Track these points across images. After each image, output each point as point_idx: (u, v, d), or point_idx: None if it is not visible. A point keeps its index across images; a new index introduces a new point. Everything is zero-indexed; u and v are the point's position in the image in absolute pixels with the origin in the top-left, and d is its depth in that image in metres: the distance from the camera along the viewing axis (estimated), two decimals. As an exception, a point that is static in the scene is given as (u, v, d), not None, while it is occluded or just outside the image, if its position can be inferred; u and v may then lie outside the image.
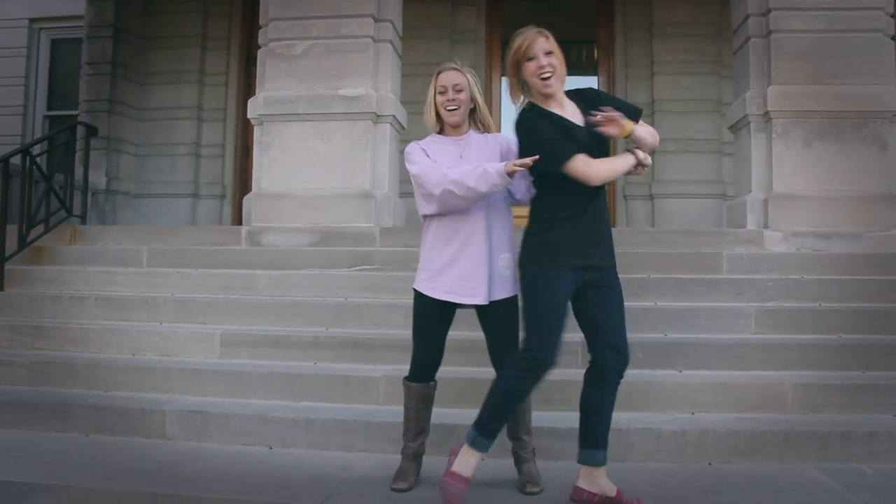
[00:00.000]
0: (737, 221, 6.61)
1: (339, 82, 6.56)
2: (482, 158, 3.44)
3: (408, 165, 3.50)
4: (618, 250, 5.81)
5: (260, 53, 6.86)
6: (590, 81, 10.03)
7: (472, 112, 3.58)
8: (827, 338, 4.88)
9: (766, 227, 6.21)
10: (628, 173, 3.27)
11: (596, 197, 3.22)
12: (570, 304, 3.26)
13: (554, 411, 4.10)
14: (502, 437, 3.46)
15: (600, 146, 3.21)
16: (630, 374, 4.49)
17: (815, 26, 6.31)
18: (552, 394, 4.08)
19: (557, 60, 3.22)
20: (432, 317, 3.54)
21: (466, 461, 3.25)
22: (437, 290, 3.47)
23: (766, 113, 6.30)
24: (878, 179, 6.23)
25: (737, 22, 6.87)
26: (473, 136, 3.56)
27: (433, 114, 3.57)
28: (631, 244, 5.93)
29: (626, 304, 5.19)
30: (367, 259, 5.93)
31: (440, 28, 9.87)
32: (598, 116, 3.10)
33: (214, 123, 10.21)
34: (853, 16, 6.29)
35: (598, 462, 3.27)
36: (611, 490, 3.26)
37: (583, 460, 3.30)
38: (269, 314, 5.34)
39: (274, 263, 6.00)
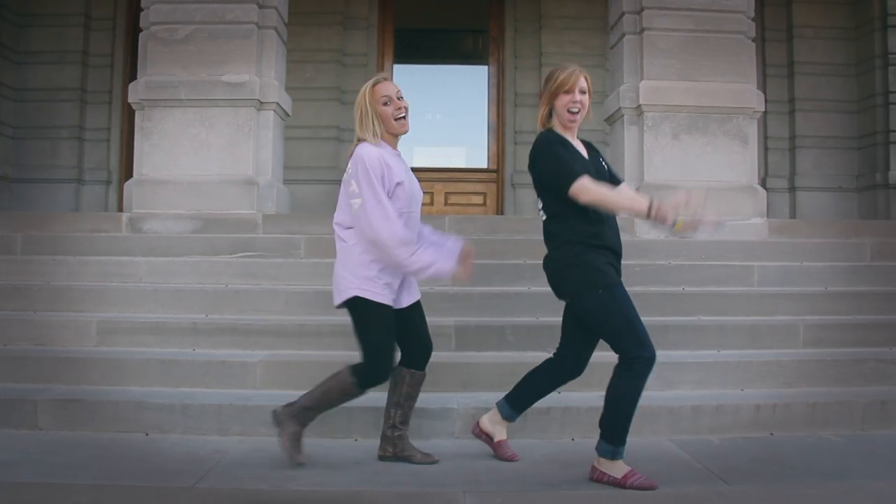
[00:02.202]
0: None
1: (222, 68, 6.51)
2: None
3: (368, 187, 3.52)
4: (496, 237, 6.10)
5: (141, 37, 6.73)
6: (480, 71, 10.23)
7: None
8: (686, 319, 5.21)
9: (637, 215, 6.51)
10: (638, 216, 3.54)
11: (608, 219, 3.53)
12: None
13: (425, 392, 4.24)
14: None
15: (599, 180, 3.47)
16: (500, 355, 4.75)
17: (684, 25, 6.65)
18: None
19: (587, 100, 3.52)
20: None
21: (620, 468, 3.41)
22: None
23: (639, 107, 6.60)
24: (741, 172, 6.64)
25: (613, 18, 7.16)
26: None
27: (376, 125, 3.57)
28: (509, 231, 6.15)
29: (504, 288, 5.44)
30: (249, 246, 5.94)
31: (332, 14, 9.83)
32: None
33: (99, 106, 9.89)
34: (719, 17, 6.66)
35: (509, 419, 3.81)
36: (500, 436, 3.82)
37: (501, 409, 3.80)
38: (148, 301, 5.32)
39: (155, 250, 5.94)
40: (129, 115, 9.70)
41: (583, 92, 3.50)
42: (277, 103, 6.68)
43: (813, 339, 5.14)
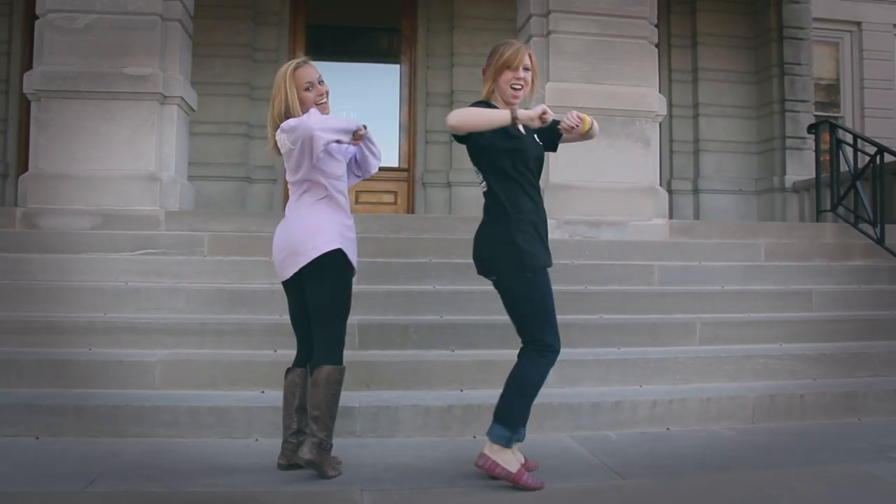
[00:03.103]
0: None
1: (124, 60, 6.31)
2: None
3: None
4: (401, 236, 6.10)
5: (38, 24, 6.46)
6: (392, 70, 10.22)
7: None
8: (587, 318, 5.32)
9: (543, 214, 6.62)
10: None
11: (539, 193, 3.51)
12: None
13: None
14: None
15: (539, 156, 3.51)
16: (403, 353, 4.76)
17: (589, 29, 6.81)
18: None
19: (530, 77, 3.49)
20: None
21: (511, 458, 3.36)
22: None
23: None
24: (643, 173, 6.83)
25: (521, 21, 7.27)
26: None
27: (296, 112, 3.47)
28: (415, 230, 6.17)
29: (408, 287, 5.45)
30: (150, 243, 5.79)
31: (244, 9, 9.67)
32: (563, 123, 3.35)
33: (-5, 96, 9.51)
34: (623, 22, 6.84)
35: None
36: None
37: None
38: (42, 300, 5.14)
39: (51, 247, 5.73)
40: (26, 105, 9.37)
41: (526, 69, 3.48)
42: (182, 98, 6.53)
43: (708, 337, 5.33)
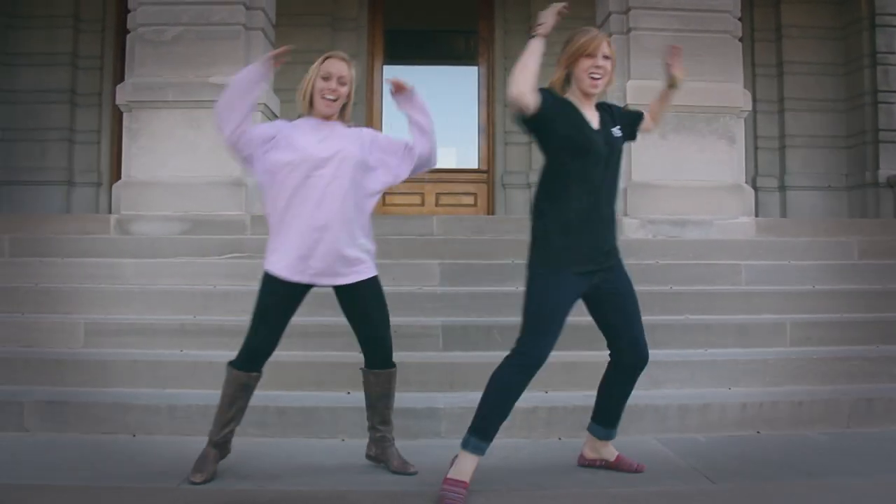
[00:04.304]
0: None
1: (209, 69, 6.51)
2: (343, 142, 3.44)
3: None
4: (484, 237, 6.10)
5: (129, 38, 6.74)
6: (470, 72, 10.25)
7: (343, 107, 3.52)
8: (673, 318, 5.22)
9: (625, 214, 6.54)
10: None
11: (599, 192, 3.29)
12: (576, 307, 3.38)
13: (412, 392, 4.25)
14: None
15: (612, 152, 3.33)
16: (487, 355, 4.73)
17: (671, 25, 6.68)
18: (410, 376, 4.23)
19: (610, 66, 3.32)
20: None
21: (464, 466, 3.25)
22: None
23: (626, 106, 6.60)
24: (728, 170, 6.67)
25: (600, 18, 7.19)
26: (339, 127, 3.52)
27: (307, 99, 3.48)
28: (497, 231, 6.16)
29: (491, 288, 5.44)
30: (237, 247, 5.94)
31: (322, 16, 9.83)
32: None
33: (89, 108, 9.87)
34: (705, 17, 6.70)
35: (607, 437, 3.62)
36: (611, 456, 3.64)
37: (594, 432, 3.64)
38: (135, 303, 5.31)
39: (142, 252, 5.94)
40: (118, 117, 9.72)
41: (606, 57, 3.28)
42: (265, 104, 6.67)
43: (800, 338, 5.16)
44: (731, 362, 4.73)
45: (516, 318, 5.07)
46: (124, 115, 6.71)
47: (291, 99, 7.29)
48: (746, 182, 7.13)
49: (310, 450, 3.89)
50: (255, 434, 3.99)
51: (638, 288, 3.33)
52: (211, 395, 4.33)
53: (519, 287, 5.43)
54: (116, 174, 9.71)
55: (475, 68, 10.27)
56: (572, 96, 3.34)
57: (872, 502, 3.22)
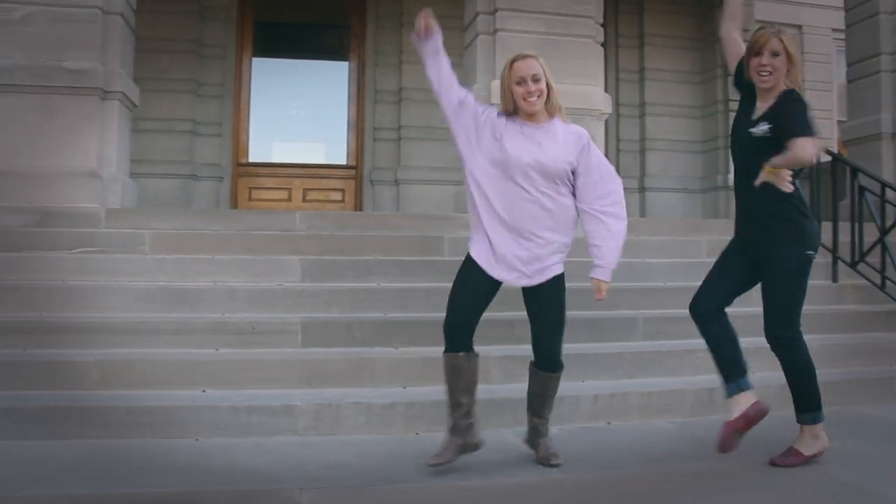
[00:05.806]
0: (463, 207, 7.01)
1: (63, 54, 6.14)
2: (561, 150, 3.51)
3: None
4: (347, 233, 6.07)
5: (-28, 15, 6.29)
6: (341, 67, 10.19)
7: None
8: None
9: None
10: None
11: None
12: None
13: (268, 389, 4.20)
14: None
15: (742, 148, 3.61)
16: (347, 351, 4.73)
17: (536, 28, 6.84)
18: (267, 373, 4.17)
19: (780, 63, 3.38)
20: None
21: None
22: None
23: (490, 105, 6.72)
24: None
25: (468, 18, 7.29)
26: (558, 125, 3.58)
27: (510, 104, 3.55)
28: (360, 227, 6.15)
29: (353, 284, 5.42)
30: (90, 241, 5.66)
31: (190, 3, 9.53)
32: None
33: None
34: (569, 21, 6.90)
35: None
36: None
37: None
38: (-26, 299, 4.99)
39: (-14, 245, 5.58)
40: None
41: (774, 54, 3.40)
42: (123, 93, 6.40)
43: (651, 332, 5.39)
44: (584, 356, 4.86)
45: (377, 314, 5.14)
46: (-34, 99, 6.27)
47: (153, 89, 7.13)
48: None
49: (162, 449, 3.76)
50: (106, 437, 3.82)
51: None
52: (55, 395, 4.14)
53: (381, 283, 5.48)
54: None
55: (346, 63, 10.23)
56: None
57: (712, 483, 3.42)
